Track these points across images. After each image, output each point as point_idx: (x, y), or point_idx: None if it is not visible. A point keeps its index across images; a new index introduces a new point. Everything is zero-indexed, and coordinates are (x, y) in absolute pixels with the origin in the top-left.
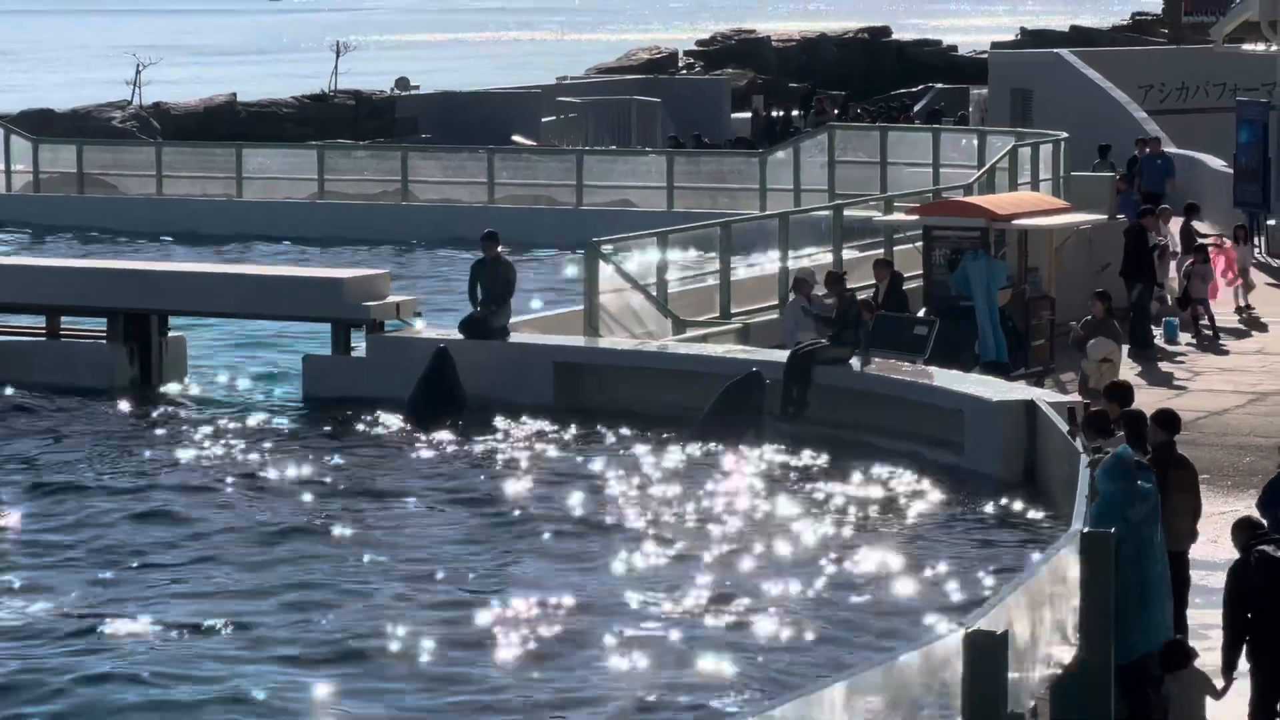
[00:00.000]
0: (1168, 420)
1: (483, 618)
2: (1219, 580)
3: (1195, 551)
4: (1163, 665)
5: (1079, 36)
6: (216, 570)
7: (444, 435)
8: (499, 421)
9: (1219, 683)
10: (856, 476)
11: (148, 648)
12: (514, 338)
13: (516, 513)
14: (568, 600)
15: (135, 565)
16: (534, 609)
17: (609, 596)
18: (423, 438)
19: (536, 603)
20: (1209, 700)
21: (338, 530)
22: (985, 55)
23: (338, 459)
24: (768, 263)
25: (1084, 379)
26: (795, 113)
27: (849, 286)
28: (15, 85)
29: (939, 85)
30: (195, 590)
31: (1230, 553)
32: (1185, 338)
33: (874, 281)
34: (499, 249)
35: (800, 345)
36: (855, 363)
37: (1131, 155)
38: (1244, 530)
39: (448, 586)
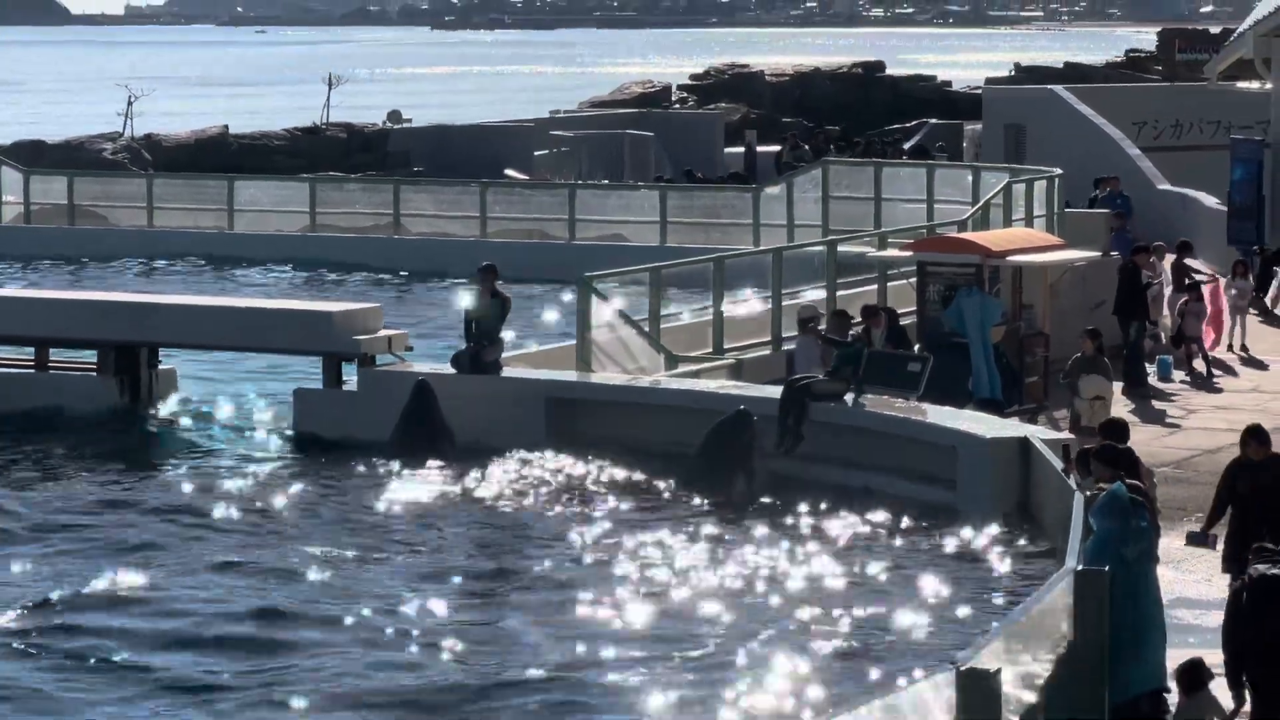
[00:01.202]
0: (1113, 457)
1: (470, 668)
2: (1213, 620)
3: (1190, 590)
4: (1179, 686)
5: (1073, 73)
6: (195, 610)
7: (430, 473)
8: (490, 457)
9: (1229, 705)
10: (848, 514)
11: (121, 684)
12: (506, 372)
13: (505, 556)
14: (557, 649)
15: (112, 599)
16: (522, 657)
17: (600, 644)
18: (408, 476)
19: (525, 651)
20: None
21: (316, 575)
22: (979, 91)
23: (325, 498)
24: (761, 298)
25: (1075, 417)
26: (804, 146)
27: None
28: (7, 117)
29: (933, 120)
30: (171, 633)
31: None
32: (1179, 376)
33: (863, 322)
34: (497, 283)
35: (796, 377)
36: (849, 399)
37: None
38: (1255, 552)
39: (433, 633)
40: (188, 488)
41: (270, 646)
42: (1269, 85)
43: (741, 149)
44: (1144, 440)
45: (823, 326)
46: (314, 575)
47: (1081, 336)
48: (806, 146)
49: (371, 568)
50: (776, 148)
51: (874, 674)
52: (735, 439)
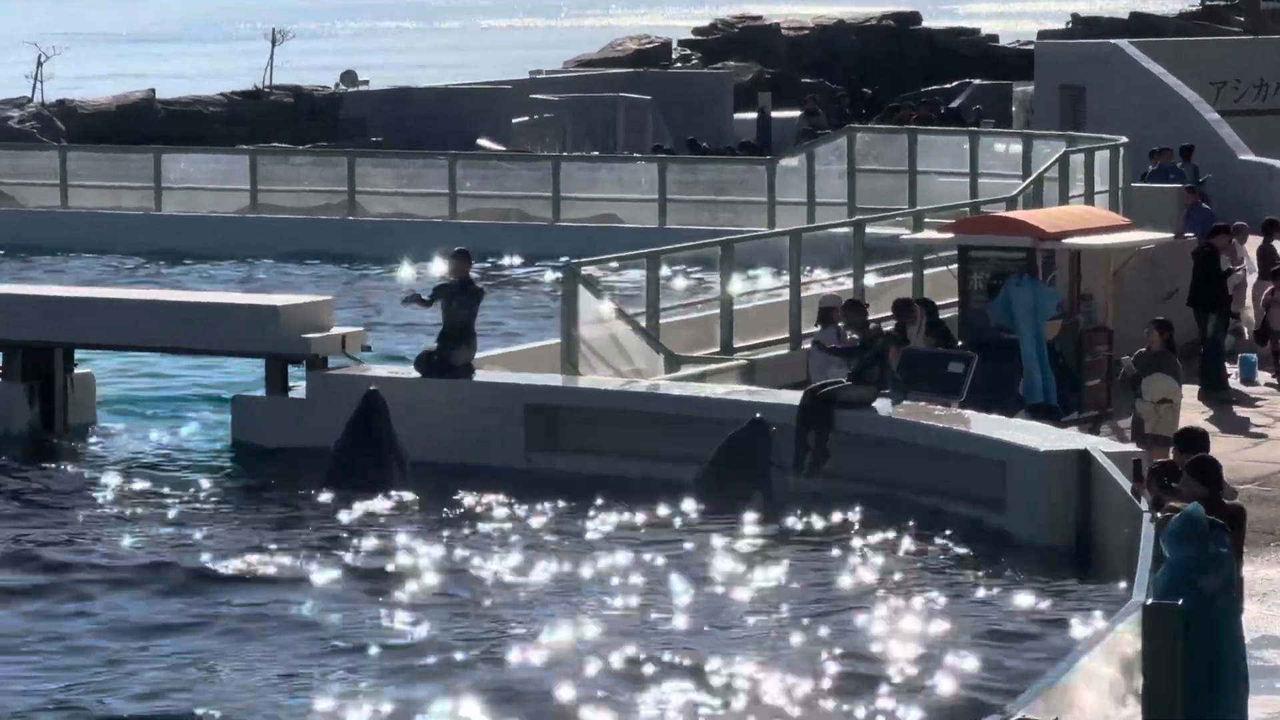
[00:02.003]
0: (1207, 471)
1: None
2: None
3: (1277, 628)
4: None
5: (1140, 24)
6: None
7: (381, 498)
8: (459, 476)
9: None
10: (881, 539)
11: None
12: (479, 376)
13: (481, 596)
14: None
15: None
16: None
17: (603, 689)
18: (348, 506)
19: (513, 703)
20: None
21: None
22: (1031, 46)
23: (263, 529)
24: (776, 288)
25: (1139, 423)
26: (820, 112)
27: (871, 316)
28: None
29: (977, 81)
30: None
31: None
32: (1265, 377)
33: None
34: (471, 271)
35: (816, 386)
36: (880, 405)
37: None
38: None
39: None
40: (103, 517)
41: None
42: None
43: (754, 115)
44: (1224, 452)
45: (842, 323)
46: (222, 667)
47: (1148, 328)
48: (822, 113)
49: (303, 615)
50: (795, 113)
51: None
52: (749, 454)
